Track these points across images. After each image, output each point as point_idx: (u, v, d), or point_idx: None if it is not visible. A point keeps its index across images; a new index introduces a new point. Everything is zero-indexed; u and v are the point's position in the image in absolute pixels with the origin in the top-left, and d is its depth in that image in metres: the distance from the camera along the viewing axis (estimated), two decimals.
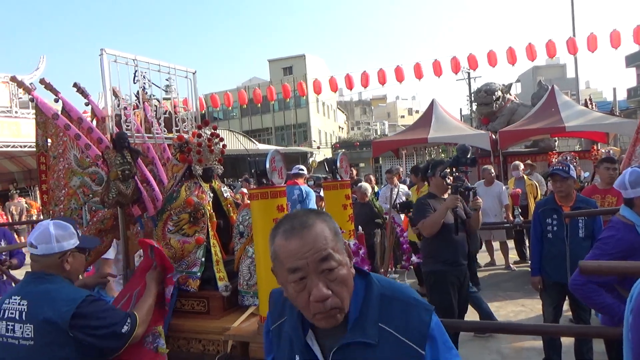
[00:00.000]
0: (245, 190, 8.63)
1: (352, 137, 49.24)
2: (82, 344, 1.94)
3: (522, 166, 8.36)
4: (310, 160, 34.99)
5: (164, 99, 2.67)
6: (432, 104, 14.42)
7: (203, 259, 2.43)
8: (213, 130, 2.59)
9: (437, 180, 3.82)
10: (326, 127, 45.59)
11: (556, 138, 13.83)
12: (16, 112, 17.45)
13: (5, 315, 1.97)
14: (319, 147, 38.92)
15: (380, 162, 32.35)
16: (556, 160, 9.64)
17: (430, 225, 3.63)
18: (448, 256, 3.70)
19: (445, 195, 3.73)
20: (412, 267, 2.55)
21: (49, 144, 2.58)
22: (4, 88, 17.54)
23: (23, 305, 1.95)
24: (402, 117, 68.81)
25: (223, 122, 40.51)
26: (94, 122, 2.67)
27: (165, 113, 2.74)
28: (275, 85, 27.37)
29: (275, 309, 1.33)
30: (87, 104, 2.65)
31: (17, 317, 1.94)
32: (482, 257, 8.14)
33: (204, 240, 2.43)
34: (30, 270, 2.06)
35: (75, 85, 2.59)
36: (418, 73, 19.23)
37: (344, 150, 38.15)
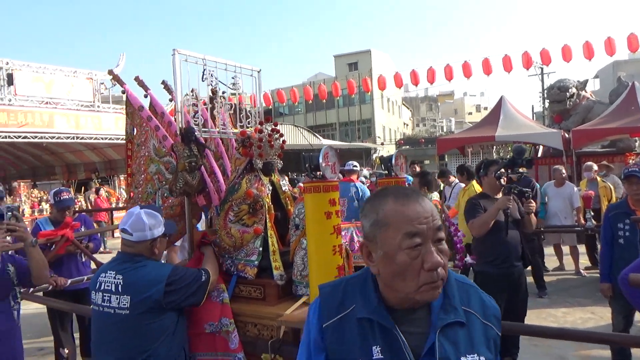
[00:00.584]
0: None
1: (417, 134, 48.45)
2: (172, 310, 2.25)
3: (595, 167, 7.88)
4: (374, 156, 34.83)
5: (231, 94, 2.83)
6: (500, 101, 13.93)
7: (261, 249, 2.56)
8: (273, 127, 2.71)
9: (490, 180, 3.77)
10: (391, 123, 45.13)
11: (637, 138, 12.87)
12: (98, 106, 18.79)
13: (102, 287, 2.26)
14: (382, 144, 38.60)
15: (446, 159, 31.59)
16: (632, 161, 8.98)
17: (479, 225, 3.62)
18: (497, 256, 3.64)
19: (498, 196, 3.68)
20: (463, 267, 2.53)
21: (135, 133, 2.84)
22: (88, 84, 18.93)
23: (119, 279, 2.23)
24: (470, 114, 66.60)
25: (288, 117, 41.26)
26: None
27: (230, 109, 2.89)
28: (340, 81, 27.50)
29: (330, 303, 1.22)
30: (170, 100, 2.87)
31: (113, 289, 2.22)
32: (551, 261, 7.81)
33: (262, 231, 2.56)
34: (120, 250, 2.37)
35: (163, 82, 2.84)
36: (487, 69, 18.59)
37: (402, 147, 37.64)
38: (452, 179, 7.94)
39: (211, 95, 2.78)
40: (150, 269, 2.28)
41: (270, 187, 2.70)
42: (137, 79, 2.83)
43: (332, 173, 2.17)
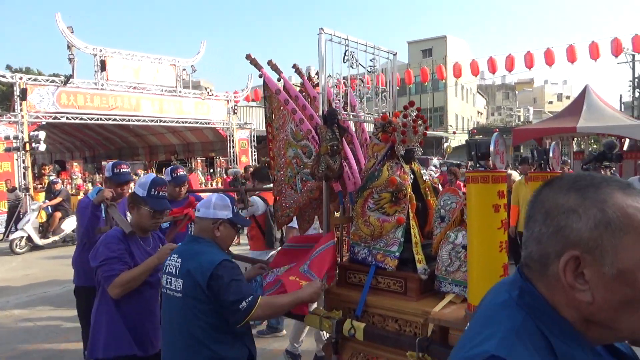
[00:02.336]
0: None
1: (492, 123, 46.47)
2: (217, 305, 2.16)
3: None
4: (445, 145, 33.81)
5: (368, 72, 2.71)
6: (584, 90, 13.12)
7: (402, 240, 2.42)
8: (417, 112, 2.55)
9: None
10: (464, 112, 43.58)
11: None
12: (180, 91, 19.51)
13: (167, 270, 2.29)
14: (454, 132, 37.37)
15: (521, 150, 30.04)
16: None
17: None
18: None
19: None
20: None
21: (273, 117, 2.80)
22: (171, 70, 19.69)
23: (178, 262, 2.25)
24: (550, 103, 62.67)
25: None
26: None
27: (367, 93, 2.77)
28: (413, 68, 26.77)
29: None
30: (302, 85, 2.80)
31: (174, 272, 2.25)
32: None
33: (405, 221, 2.42)
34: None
35: (294, 66, 2.77)
36: (571, 56, 17.33)
37: (474, 137, 36.11)
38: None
39: (349, 77, 2.67)
40: (206, 251, 2.26)
41: (412, 176, 2.55)
42: (270, 62, 2.78)
43: (501, 162, 1.98)
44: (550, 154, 2.46)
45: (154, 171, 18.03)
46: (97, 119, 16.94)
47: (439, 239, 2.39)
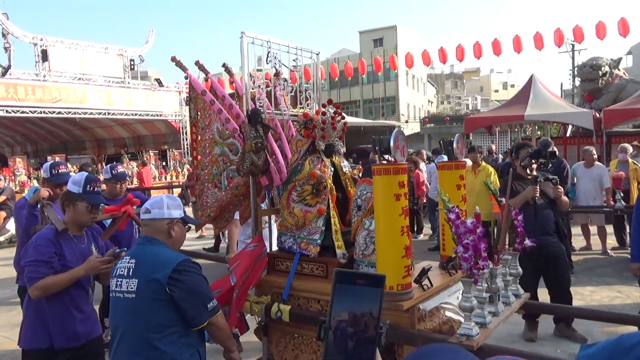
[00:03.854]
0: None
1: (442, 112, 47.75)
2: (177, 304, 2.11)
3: (630, 149, 7.83)
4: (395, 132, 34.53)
5: (292, 66, 2.88)
6: (530, 80, 13.74)
7: (323, 228, 2.63)
8: (336, 109, 2.76)
9: (519, 166, 4.23)
10: (415, 101, 44.59)
11: None
12: (128, 82, 19.04)
13: (117, 273, 2.23)
14: (407, 121, 38.25)
15: (471, 137, 31.19)
16: None
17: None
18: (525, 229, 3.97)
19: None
20: (523, 250, 2.58)
21: (199, 117, 2.92)
22: (119, 60, 19.15)
23: (132, 263, 2.19)
24: (496, 91, 65.10)
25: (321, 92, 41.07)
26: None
27: (292, 91, 2.95)
28: (365, 57, 27.15)
29: None
30: (231, 82, 2.94)
31: (125, 273, 2.18)
32: (578, 241, 7.85)
33: (325, 211, 2.63)
34: (141, 234, 2.38)
35: (224, 65, 2.90)
36: (517, 46, 18.15)
37: (427, 125, 37.12)
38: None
39: (274, 77, 2.84)
40: (164, 251, 2.22)
41: (332, 169, 2.76)
42: (197, 63, 2.90)
43: (402, 156, 2.22)
44: (454, 145, 2.72)
45: (103, 165, 17.57)
46: (40, 112, 16.32)
47: (355, 226, 2.62)
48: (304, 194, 2.66)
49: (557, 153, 4.60)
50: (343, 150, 2.93)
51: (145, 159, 18.67)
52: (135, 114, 19.42)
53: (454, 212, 2.10)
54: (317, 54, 3.07)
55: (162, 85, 20.28)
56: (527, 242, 2.53)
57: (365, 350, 0.92)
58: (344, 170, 2.87)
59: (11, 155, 22.21)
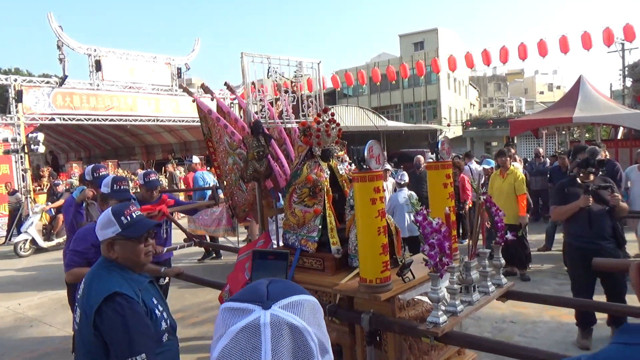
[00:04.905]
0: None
1: (485, 115, 46.74)
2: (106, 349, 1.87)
3: None
4: (440, 137, 34.19)
5: (293, 77, 3.19)
6: (579, 81, 13.37)
7: (320, 226, 2.93)
8: (331, 117, 3.04)
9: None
10: (457, 104, 43.95)
11: None
12: (176, 90, 19.89)
13: (78, 298, 2.08)
14: (449, 125, 37.76)
15: (515, 140, 30.49)
16: None
17: (558, 214, 4.32)
18: (576, 230, 4.20)
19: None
20: (504, 243, 2.76)
21: (211, 133, 3.31)
22: (166, 69, 20.06)
23: (82, 290, 2.03)
24: (541, 93, 62.86)
25: (352, 99, 41.33)
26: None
27: (293, 101, 3.26)
28: (405, 61, 27.13)
29: None
30: (234, 99, 3.30)
31: (78, 302, 2.04)
32: (633, 247, 7.61)
33: (321, 211, 2.92)
34: None
35: (225, 84, 3.26)
36: (564, 47, 17.65)
37: (469, 129, 36.45)
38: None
39: (276, 89, 3.16)
40: (101, 281, 1.97)
41: (329, 172, 3.04)
42: (202, 85, 3.28)
43: (377, 164, 2.47)
44: (439, 146, 2.94)
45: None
46: (94, 120, 17.33)
47: (349, 224, 2.90)
48: (302, 196, 2.96)
49: (605, 162, 4.60)
50: (342, 153, 3.20)
51: (192, 163, 19.47)
52: (182, 120, 20.24)
53: (421, 214, 2.33)
54: (319, 64, 3.36)
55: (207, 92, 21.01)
56: (509, 236, 2.70)
57: None
58: (340, 172, 3.14)
59: (66, 161, 23.67)
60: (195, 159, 11.89)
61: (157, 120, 19.38)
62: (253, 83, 2.96)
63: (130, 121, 18.59)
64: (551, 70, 68.55)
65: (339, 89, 28.49)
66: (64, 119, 16.28)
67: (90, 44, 16.95)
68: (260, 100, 3.03)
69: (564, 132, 16.23)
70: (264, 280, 0.86)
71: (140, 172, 5.48)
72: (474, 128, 37.64)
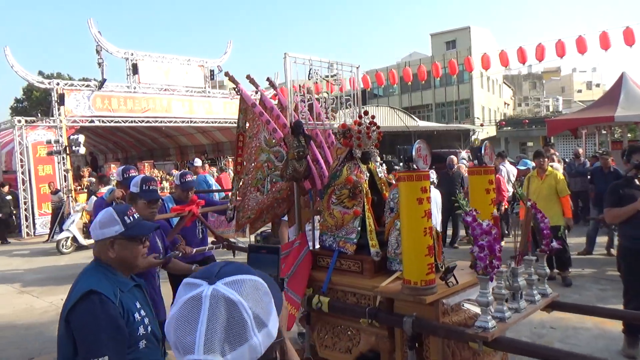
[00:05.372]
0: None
1: (519, 114, 45.65)
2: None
3: None
4: (473, 137, 33.61)
5: (331, 76, 3.18)
6: (621, 78, 12.88)
7: (359, 228, 2.90)
8: (371, 119, 3.01)
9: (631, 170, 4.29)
10: (490, 103, 43.08)
11: None
12: (209, 92, 20.23)
13: None
14: (482, 125, 37.04)
15: (552, 140, 29.65)
16: None
17: (613, 216, 4.19)
18: (633, 232, 4.06)
19: None
20: (550, 252, 2.67)
21: (247, 126, 3.31)
22: (199, 71, 20.42)
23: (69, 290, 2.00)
24: (579, 91, 60.71)
25: (383, 99, 41.07)
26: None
27: (332, 103, 3.25)
28: (437, 60, 26.76)
29: None
30: (275, 96, 3.31)
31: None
32: None
33: (361, 213, 2.90)
34: None
35: (268, 79, 3.27)
36: (604, 43, 17.04)
37: (503, 128, 35.67)
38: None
39: (315, 91, 3.16)
40: (84, 279, 1.96)
41: (368, 174, 3.02)
42: (248, 77, 3.29)
43: (424, 164, 2.43)
44: (482, 151, 2.87)
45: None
46: (131, 122, 17.80)
47: (388, 227, 2.86)
48: (341, 197, 2.95)
49: None
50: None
51: (223, 164, 19.77)
52: (215, 122, 20.56)
53: (470, 214, 2.28)
54: (357, 67, 3.34)
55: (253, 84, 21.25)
56: (554, 244, 2.62)
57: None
58: (380, 175, 3.11)
59: (105, 162, 24.38)
60: (198, 162, 11.79)
61: (191, 122, 19.74)
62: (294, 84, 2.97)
63: (165, 122, 19.00)
64: (590, 68, 66.26)
65: (369, 89, 28.34)
66: (102, 121, 16.79)
67: (127, 48, 17.41)
68: (302, 101, 3.03)
69: (604, 132, 15.67)
70: (222, 263, 0.99)
71: (176, 172, 5.56)
72: (509, 128, 36.78)
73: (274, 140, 3.16)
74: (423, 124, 32.94)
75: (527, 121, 36.04)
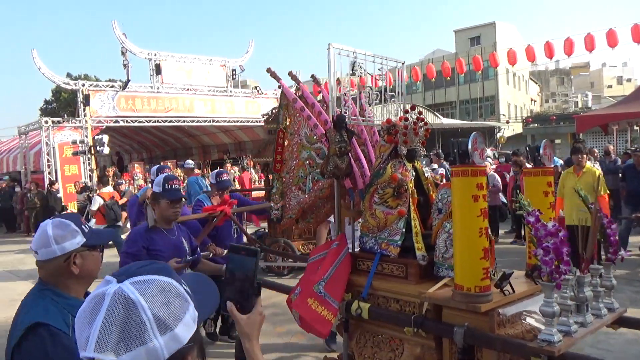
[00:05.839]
0: (441, 170, 9.02)
1: (547, 111, 44.59)
2: None
3: None
4: (498, 135, 32.96)
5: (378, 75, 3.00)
6: None
7: (404, 230, 2.71)
8: (418, 115, 2.83)
9: None
10: (516, 100, 42.17)
11: None
12: (230, 91, 20.25)
13: None
14: (508, 122, 36.28)
15: (581, 136, 28.85)
16: None
17: None
18: None
19: None
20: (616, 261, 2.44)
21: (288, 123, 3.17)
22: (221, 71, 20.44)
23: (14, 317, 1.75)
24: (610, 87, 59.01)
25: (406, 96, 40.60)
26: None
27: (377, 99, 3.07)
28: (461, 56, 26.27)
29: None
30: (319, 91, 3.16)
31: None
32: None
33: (406, 213, 2.71)
34: None
35: (289, 73, 3.12)
36: (636, 36, 16.54)
37: (530, 125, 34.86)
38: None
39: (360, 85, 2.98)
40: (30, 308, 1.69)
41: (414, 173, 2.83)
42: (290, 73, 3.14)
43: (480, 158, 2.24)
44: (541, 151, 2.65)
45: (209, 170, 18.88)
46: (155, 121, 17.93)
47: (436, 229, 2.67)
48: (385, 196, 2.76)
49: None
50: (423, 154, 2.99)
51: (245, 163, 19.75)
52: (237, 121, 20.57)
53: (533, 214, 2.08)
54: (403, 63, 3.16)
55: (261, 93, 21.26)
56: (623, 252, 2.40)
57: (248, 297, 1.32)
58: (426, 174, 2.92)
59: (129, 162, 24.65)
60: (190, 163, 11.20)
61: (213, 121, 19.76)
62: (338, 79, 2.81)
63: (188, 122, 19.08)
64: (620, 62, 64.31)
65: (391, 86, 28.00)
66: (127, 121, 16.93)
67: (150, 49, 17.52)
68: (344, 94, 2.86)
69: (636, 128, 15.14)
70: (144, 262, 0.97)
71: (212, 171, 5.43)
72: (536, 125, 35.92)
73: (315, 137, 3.00)
74: (446, 121, 32.41)
75: (554, 118, 35.13)
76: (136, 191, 15.79)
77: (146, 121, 17.56)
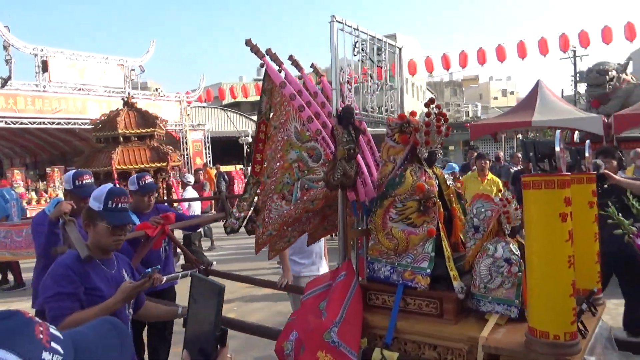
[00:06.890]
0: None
1: None
2: None
3: None
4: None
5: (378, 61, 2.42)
6: (537, 85, 13.55)
7: (433, 254, 2.13)
8: (439, 110, 2.27)
9: None
10: (415, 109, 44.26)
11: None
12: (129, 92, 18.57)
13: None
14: None
15: (472, 143, 30.86)
16: None
17: None
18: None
19: None
20: None
21: (272, 114, 2.40)
22: (119, 70, 18.76)
23: None
24: (495, 98, 65.21)
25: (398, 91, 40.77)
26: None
27: (378, 88, 2.46)
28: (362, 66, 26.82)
29: None
30: (300, 78, 2.46)
31: None
32: None
33: (435, 233, 2.13)
34: None
35: (290, 57, 2.41)
36: (522, 52, 18.18)
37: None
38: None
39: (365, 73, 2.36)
40: None
41: (437, 181, 2.26)
42: (269, 51, 2.41)
43: (563, 164, 1.73)
44: (586, 154, 2.23)
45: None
46: (40, 123, 15.84)
47: (474, 252, 2.12)
48: (406, 211, 2.16)
49: (605, 177, 4.15)
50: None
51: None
52: None
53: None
54: (400, 49, 2.60)
55: (163, 95, 19.91)
56: None
57: (208, 347, 1.10)
58: (448, 183, 2.37)
59: (9, 167, 21.67)
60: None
61: None
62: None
63: (80, 125, 17.19)
64: (505, 77, 71.28)
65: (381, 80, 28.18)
66: (6, 122, 14.69)
67: (37, 44, 15.51)
68: (347, 82, 2.21)
69: (519, 136, 16.48)
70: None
71: (131, 177, 4.36)
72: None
73: (308, 133, 2.27)
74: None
75: (449, 127, 37.25)
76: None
77: (30, 122, 15.41)
